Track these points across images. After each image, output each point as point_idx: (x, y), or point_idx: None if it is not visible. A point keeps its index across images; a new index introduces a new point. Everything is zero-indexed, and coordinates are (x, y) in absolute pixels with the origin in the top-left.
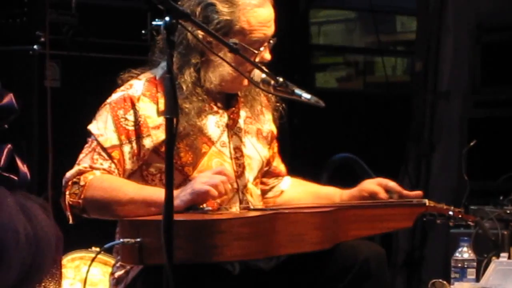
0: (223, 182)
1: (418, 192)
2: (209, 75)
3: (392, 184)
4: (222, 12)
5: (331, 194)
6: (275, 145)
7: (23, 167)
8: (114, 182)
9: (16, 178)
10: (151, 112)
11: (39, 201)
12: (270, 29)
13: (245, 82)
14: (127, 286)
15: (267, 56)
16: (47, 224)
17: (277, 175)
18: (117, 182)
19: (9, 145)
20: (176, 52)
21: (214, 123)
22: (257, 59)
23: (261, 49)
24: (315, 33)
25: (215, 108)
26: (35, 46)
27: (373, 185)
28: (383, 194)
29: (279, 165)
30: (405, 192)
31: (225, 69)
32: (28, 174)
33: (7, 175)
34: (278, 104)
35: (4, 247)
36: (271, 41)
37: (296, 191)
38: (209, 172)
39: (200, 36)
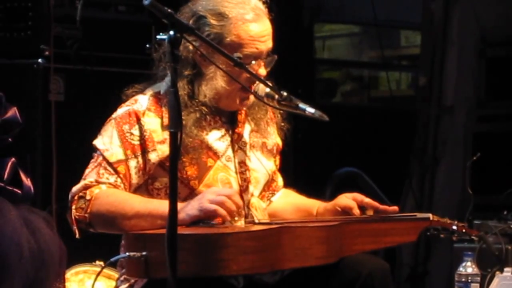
0: (231, 200)
1: (394, 208)
2: (202, 88)
3: (367, 200)
4: (213, 25)
5: (310, 206)
6: (277, 159)
7: (26, 181)
8: (120, 196)
9: (19, 191)
10: (156, 127)
11: (43, 214)
12: (265, 44)
13: (238, 100)
14: None
15: (262, 71)
16: (51, 237)
17: (273, 190)
18: (123, 196)
19: (13, 159)
20: (168, 65)
21: (219, 138)
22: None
23: (253, 62)
24: (319, 47)
25: (219, 123)
26: (39, 60)
27: (347, 200)
28: (356, 210)
29: (277, 180)
30: (382, 207)
31: (218, 82)
32: (32, 187)
33: (10, 188)
34: (283, 124)
35: (7, 261)
36: (269, 57)
37: (280, 202)
38: (219, 190)
39: (191, 48)
